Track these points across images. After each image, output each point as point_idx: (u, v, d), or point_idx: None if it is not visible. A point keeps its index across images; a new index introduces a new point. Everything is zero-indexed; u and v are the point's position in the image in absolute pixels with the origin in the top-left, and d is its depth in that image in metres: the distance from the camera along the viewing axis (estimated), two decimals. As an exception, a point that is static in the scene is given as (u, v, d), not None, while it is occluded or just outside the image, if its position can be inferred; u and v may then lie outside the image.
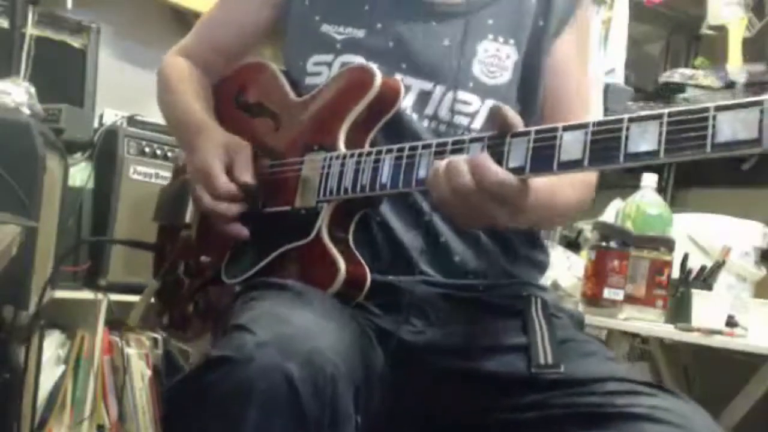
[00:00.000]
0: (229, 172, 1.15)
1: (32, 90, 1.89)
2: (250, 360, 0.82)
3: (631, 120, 0.80)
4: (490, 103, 1.16)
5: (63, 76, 2.39)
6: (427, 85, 1.16)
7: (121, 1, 2.64)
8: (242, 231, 1.15)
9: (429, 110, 1.16)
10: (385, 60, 1.16)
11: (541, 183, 0.95)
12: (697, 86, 2.68)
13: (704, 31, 2.89)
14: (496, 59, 1.18)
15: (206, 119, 1.26)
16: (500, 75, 1.18)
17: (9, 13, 2.17)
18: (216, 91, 1.35)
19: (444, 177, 0.90)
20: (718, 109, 0.74)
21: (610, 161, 0.82)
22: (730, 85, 2.59)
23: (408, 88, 1.16)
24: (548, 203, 1.05)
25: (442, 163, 0.91)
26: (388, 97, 1.11)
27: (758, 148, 0.72)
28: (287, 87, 1.25)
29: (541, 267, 1.25)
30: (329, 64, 1.20)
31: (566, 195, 1.12)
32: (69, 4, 2.40)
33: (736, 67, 2.66)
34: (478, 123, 1.17)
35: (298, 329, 0.87)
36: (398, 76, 1.16)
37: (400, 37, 1.18)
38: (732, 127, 0.73)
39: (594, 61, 1.29)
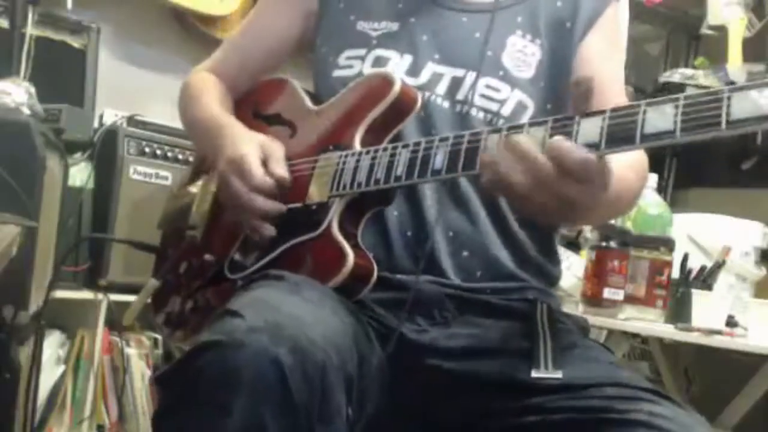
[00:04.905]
0: (264, 166, 1.14)
1: (32, 90, 1.89)
2: (241, 345, 0.82)
3: (648, 104, 0.83)
4: (518, 93, 1.19)
5: (63, 76, 2.38)
6: (460, 72, 1.19)
7: (121, 1, 2.64)
8: (271, 229, 1.12)
9: (460, 95, 1.18)
10: (418, 51, 1.20)
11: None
12: (697, 86, 2.69)
13: (704, 31, 2.89)
14: (522, 54, 1.21)
15: (234, 120, 1.26)
16: (525, 70, 1.20)
17: (9, 13, 2.16)
18: (235, 106, 1.36)
19: (513, 161, 0.86)
20: (733, 90, 0.78)
21: (628, 142, 0.83)
22: (729, 85, 2.59)
23: (440, 76, 1.19)
24: (618, 187, 1.01)
25: (500, 145, 0.88)
26: (406, 103, 1.13)
27: None
28: (305, 98, 1.26)
29: (550, 278, 1.24)
30: (362, 58, 1.22)
31: (630, 179, 1.10)
32: (69, 4, 2.40)
33: (736, 67, 2.66)
34: (506, 110, 1.18)
35: (290, 316, 0.87)
36: (431, 65, 1.19)
37: (434, 30, 1.22)
38: (746, 106, 0.77)
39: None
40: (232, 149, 1.15)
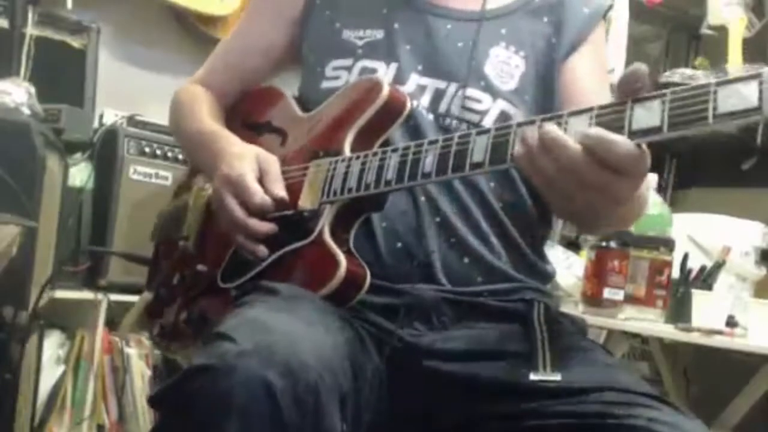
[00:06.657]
0: (260, 183, 1.12)
1: (32, 90, 1.89)
2: (232, 369, 0.81)
3: (635, 101, 0.82)
4: (501, 103, 1.18)
5: (63, 76, 2.38)
6: (442, 84, 1.18)
7: (121, 1, 2.64)
8: (263, 251, 1.11)
9: (442, 108, 1.18)
10: (402, 61, 1.19)
11: None
12: (697, 86, 2.68)
13: (704, 31, 2.89)
14: (505, 66, 1.20)
15: (227, 131, 1.25)
16: (508, 81, 1.20)
17: (9, 13, 2.16)
18: (225, 116, 1.35)
19: (543, 153, 0.84)
20: (719, 84, 0.77)
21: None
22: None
23: (423, 88, 1.19)
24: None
25: (533, 137, 0.85)
26: (395, 107, 1.12)
27: (759, 116, 0.75)
28: (295, 106, 1.26)
29: (545, 276, 1.24)
30: (349, 69, 1.21)
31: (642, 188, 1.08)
32: (69, 4, 2.39)
33: (736, 67, 2.66)
34: (488, 121, 1.18)
35: (281, 337, 0.86)
36: (415, 77, 1.19)
37: (417, 38, 1.21)
38: (732, 99, 0.76)
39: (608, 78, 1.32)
40: (228, 166, 1.13)
